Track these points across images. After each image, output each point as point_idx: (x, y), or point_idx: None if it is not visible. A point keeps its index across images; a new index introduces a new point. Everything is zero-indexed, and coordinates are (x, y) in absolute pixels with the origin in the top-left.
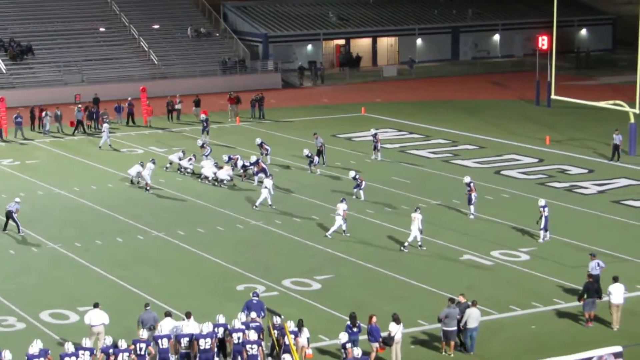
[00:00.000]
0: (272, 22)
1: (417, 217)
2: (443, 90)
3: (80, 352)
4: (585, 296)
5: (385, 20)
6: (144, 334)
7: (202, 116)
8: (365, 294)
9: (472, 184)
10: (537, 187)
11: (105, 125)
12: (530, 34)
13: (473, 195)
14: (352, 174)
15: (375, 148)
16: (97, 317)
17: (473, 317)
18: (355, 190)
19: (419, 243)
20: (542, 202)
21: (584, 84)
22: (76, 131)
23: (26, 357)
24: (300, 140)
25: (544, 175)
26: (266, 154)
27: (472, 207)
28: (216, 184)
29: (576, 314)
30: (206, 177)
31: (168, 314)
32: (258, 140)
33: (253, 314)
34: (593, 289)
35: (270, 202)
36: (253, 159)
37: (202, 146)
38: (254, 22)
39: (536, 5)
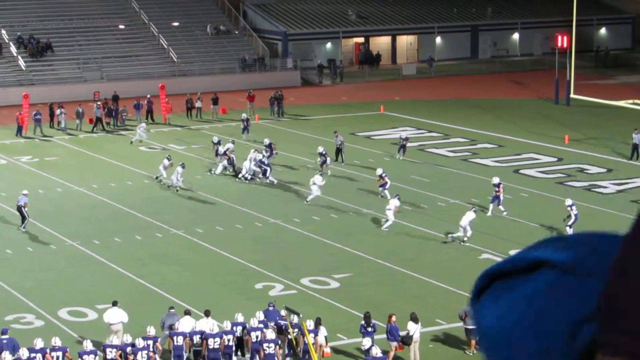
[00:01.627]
0: (292, 20)
1: (469, 215)
2: (462, 89)
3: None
4: None
5: (404, 19)
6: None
7: (243, 115)
8: (383, 293)
9: (501, 185)
10: (556, 187)
11: (143, 125)
12: (550, 32)
13: (501, 196)
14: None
15: (402, 149)
16: (116, 315)
17: None
18: (381, 189)
19: (465, 239)
20: (569, 201)
21: (603, 83)
22: (95, 128)
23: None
24: (319, 139)
25: (563, 175)
26: (272, 155)
27: (494, 206)
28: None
29: None
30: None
31: (187, 313)
32: (267, 141)
33: (282, 312)
34: None
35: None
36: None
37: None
38: (274, 19)
39: (555, 4)
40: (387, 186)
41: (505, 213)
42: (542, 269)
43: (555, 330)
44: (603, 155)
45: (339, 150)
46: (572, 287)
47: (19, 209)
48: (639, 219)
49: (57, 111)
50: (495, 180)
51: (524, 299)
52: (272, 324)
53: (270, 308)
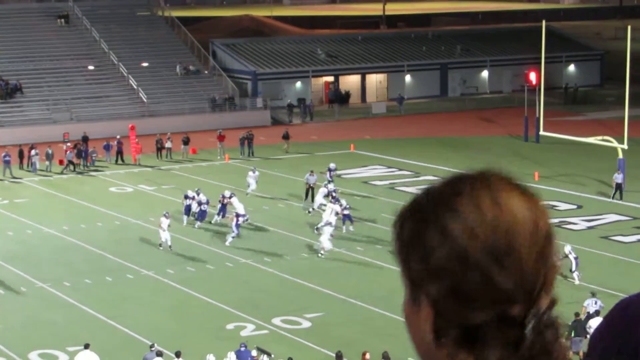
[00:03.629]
0: (261, 60)
1: None
2: (432, 127)
3: None
4: (572, 335)
5: (373, 57)
6: None
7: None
8: (355, 332)
9: None
10: None
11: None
12: (519, 70)
13: None
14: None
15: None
16: (87, 358)
17: None
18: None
19: None
20: (567, 248)
21: (572, 120)
22: (65, 169)
23: None
24: (290, 178)
25: None
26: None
27: None
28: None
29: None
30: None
31: (159, 354)
32: (332, 166)
33: (253, 352)
34: (580, 327)
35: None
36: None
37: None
38: (243, 59)
39: (524, 42)
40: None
41: None
42: None
43: None
44: (573, 192)
45: (311, 189)
46: None
47: None
48: None
49: (32, 152)
50: None
51: None
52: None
53: (242, 348)
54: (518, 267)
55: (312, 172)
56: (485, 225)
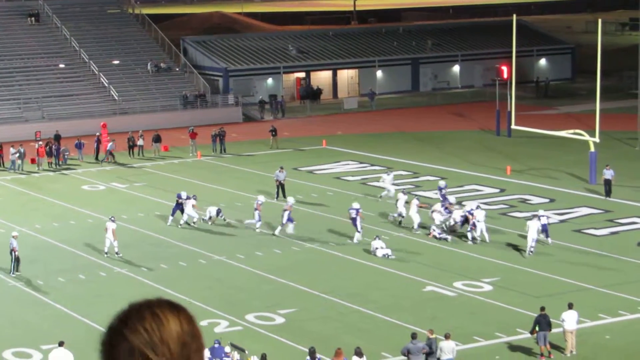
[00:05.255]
0: (232, 56)
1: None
2: (403, 122)
3: None
4: (537, 329)
5: (345, 53)
6: None
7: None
8: (329, 328)
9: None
10: (500, 218)
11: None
12: (490, 64)
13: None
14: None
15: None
16: (61, 356)
17: (446, 350)
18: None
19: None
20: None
21: (543, 114)
22: (38, 168)
23: None
24: (261, 174)
25: (506, 206)
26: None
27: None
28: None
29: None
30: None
31: None
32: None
33: (227, 348)
34: (545, 321)
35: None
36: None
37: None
38: (214, 56)
39: (495, 36)
40: (360, 221)
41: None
42: None
43: None
44: (545, 186)
45: (281, 186)
46: None
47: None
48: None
49: (13, 150)
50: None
51: None
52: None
53: (216, 345)
54: None
55: (281, 168)
56: (154, 341)
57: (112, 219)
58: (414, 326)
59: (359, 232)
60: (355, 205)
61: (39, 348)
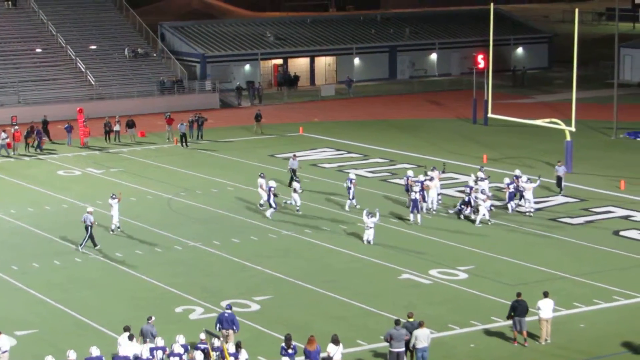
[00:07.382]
0: (210, 42)
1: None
2: (381, 110)
3: None
4: (513, 314)
5: (322, 40)
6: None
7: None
8: (304, 315)
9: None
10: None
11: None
12: (467, 52)
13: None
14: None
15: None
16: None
17: (421, 337)
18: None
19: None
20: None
21: (520, 102)
22: (14, 152)
23: None
24: (239, 161)
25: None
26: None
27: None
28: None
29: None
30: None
31: (131, 338)
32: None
33: (202, 335)
34: (520, 307)
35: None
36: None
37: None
38: (192, 42)
39: (473, 24)
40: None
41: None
42: None
43: None
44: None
45: (293, 172)
46: None
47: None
48: None
49: (4, 135)
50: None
51: None
52: (203, 336)
53: (226, 313)
54: None
55: (294, 156)
56: None
57: (114, 196)
58: (390, 314)
59: (350, 200)
60: (352, 175)
61: (13, 335)
